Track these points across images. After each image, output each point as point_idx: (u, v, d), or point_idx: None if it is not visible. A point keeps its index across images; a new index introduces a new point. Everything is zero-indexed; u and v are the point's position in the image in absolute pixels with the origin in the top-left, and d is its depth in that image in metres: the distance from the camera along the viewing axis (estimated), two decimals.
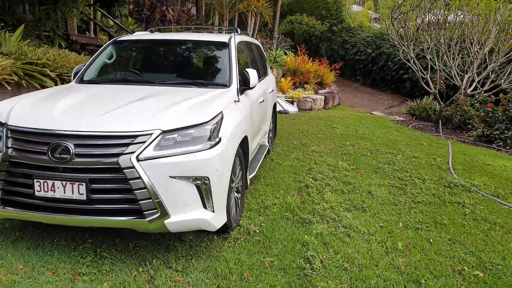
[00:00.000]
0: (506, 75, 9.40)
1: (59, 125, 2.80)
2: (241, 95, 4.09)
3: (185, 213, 2.86)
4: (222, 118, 3.19)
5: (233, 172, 3.57)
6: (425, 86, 10.89)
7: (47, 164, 2.72)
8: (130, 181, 2.67)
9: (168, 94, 3.53)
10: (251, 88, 4.22)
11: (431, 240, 3.48)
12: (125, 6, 15.36)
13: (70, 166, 2.70)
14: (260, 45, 6.53)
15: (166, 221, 2.78)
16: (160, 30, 5.93)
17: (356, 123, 9.72)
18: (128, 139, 2.75)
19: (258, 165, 4.78)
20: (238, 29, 5.41)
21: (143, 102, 3.21)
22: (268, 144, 5.91)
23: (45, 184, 2.71)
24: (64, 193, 2.70)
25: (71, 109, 3.09)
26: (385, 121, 11.05)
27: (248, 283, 2.75)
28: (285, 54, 18.93)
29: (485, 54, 9.97)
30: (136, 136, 2.76)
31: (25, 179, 2.77)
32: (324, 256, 3.11)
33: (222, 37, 4.59)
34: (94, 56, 4.46)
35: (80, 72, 4.26)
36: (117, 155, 2.69)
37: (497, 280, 2.90)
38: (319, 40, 23.77)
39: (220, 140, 3.04)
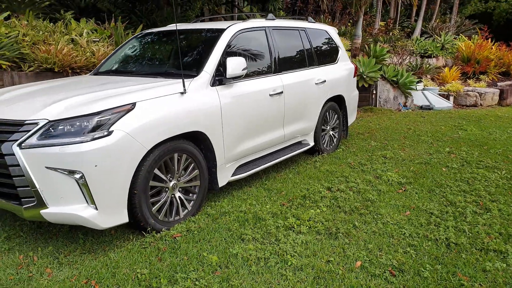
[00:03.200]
0: None
1: None
2: (218, 85, 3.71)
3: (63, 206, 2.79)
4: (128, 110, 2.95)
5: (168, 171, 3.29)
6: None
7: None
8: (9, 167, 2.77)
9: (110, 84, 3.47)
10: (232, 78, 3.76)
11: None
12: (280, 0, 15.76)
13: None
14: (321, 30, 5.67)
15: (42, 211, 2.78)
16: (210, 20, 5.87)
17: (508, 126, 7.48)
18: (13, 127, 2.84)
19: (262, 167, 4.24)
20: (271, 14, 4.86)
21: (72, 92, 3.24)
22: (311, 144, 5.17)
23: None
24: None
25: (16, 96, 3.31)
26: None
27: None
28: (470, 39, 15.93)
29: None
30: (21, 125, 2.82)
31: None
32: (186, 284, 2.54)
33: (222, 25, 4.22)
34: (116, 49, 4.76)
35: (99, 64, 4.64)
36: (1, 141, 2.82)
37: None
38: None
39: (110, 133, 2.82)
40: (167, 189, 3.32)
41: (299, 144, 5.09)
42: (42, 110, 2.85)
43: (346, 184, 4.26)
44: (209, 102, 3.58)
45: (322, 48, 5.53)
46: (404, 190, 4.11)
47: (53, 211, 2.79)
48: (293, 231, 3.24)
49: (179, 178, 3.41)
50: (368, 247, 2.98)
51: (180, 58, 3.52)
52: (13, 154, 2.75)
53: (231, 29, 4.08)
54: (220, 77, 3.74)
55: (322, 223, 3.35)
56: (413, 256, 2.85)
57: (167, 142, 3.22)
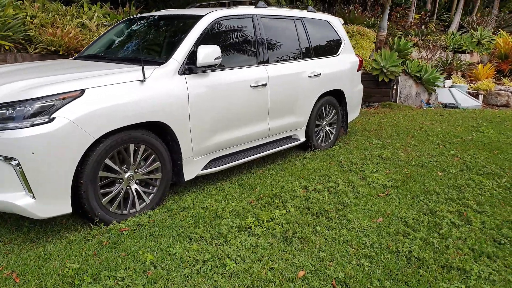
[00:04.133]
0: None
1: None
2: (188, 74, 3.53)
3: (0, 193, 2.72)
4: (75, 97, 2.83)
5: (123, 161, 3.16)
6: None
7: None
8: None
9: (74, 69, 3.36)
10: (203, 67, 3.57)
11: None
12: None
13: None
14: (322, 20, 5.35)
15: None
16: (210, 5, 5.69)
17: None
18: None
19: (239, 162, 4.04)
20: (262, 2, 4.60)
21: (28, 76, 3.13)
22: (302, 139, 4.91)
23: None
24: None
25: None
26: None
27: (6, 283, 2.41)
28: None
29: None
30: None
31: None
32: (108, 283, 2.39)
33: (202, 11, 4.02)
34: (102, 33, 4.67)
35: (84, 48, 4.57)
36: None
37: None
38: None
39: (51, 120, 2.71)
40: (121, 180, 3.19)
41: (289, 139, 4.84)
42: None
43: (325, 184, 3.98)
44: (174, 91, 3.40)
45: (321, 39, 5.22)
46: (386, 195, 3.79)
47: None
48: (248, 232, 3.03)
49: (136, 170, 3.28)
50: (320, 255, 2.73)
51: (140, 45, 3.35)
52: None
53: (209, 16, 3.88)
54: (191, 66, 3.56)
55: (282, 226, 3.12)
56: (366, 269, 2.57)
57: (121, 131, 3.09)
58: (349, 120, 5.75)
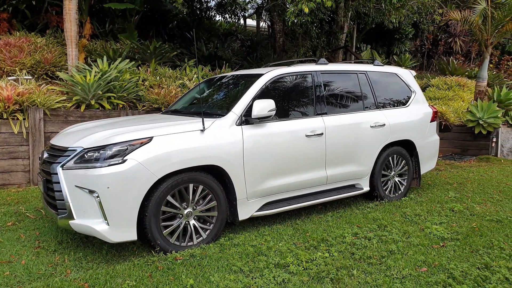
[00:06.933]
0: None
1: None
2: (245, 125, 4.01)
3: (85, 219, 3.39)
4: (144, 143, 3.47)
5: (183, 199, 3.66)
6: None
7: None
8: (54, 183, 3.53)
9: (150, 121, 4.07)
10: (257, 118, 4.02)
11: None
12: (406, 43, 15.44)
13: (42, 168, 3.89)
14: (390, 73, 5.49)
15: (70, 222, 3.42)
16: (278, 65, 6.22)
17: None
18: (60, 152, 3.63)
19: (294, 207, 4.29)
20: (323, 59, 4.99)
21: (115, 127, 3.89)
22: (365, 188, 4.96)
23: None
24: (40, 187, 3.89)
25: (77, 130, 4.12)
26: None
27: None
28: None
29: None
30: (65, 150, 3.60)
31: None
32: None
33: (263, 71, 4.55)
34: (187, 91, 5.49)
35: (172, 103, 5.42)
36: (51, 162, 3.62)
37: None
38: None
39: (124, 161, 3.37)
40: (181, 215, 3.68)
41: (351, 187, 4.93)
42: (80, 140, 3.59)
43: (378, 232, 3.97)
44: (230, 139, 3.87)
45: (387, 91, 5.35)
46: (442, 246, 3.63)
47: (78, 222, 3.40)
48: (284, 270, 3.21)
49: (194, 207, 3.75)
50: None
51: (201, 100, 3.94)
52: (56, 173, 3.50)
53: (267, 75, 4.38)
54: (247, 117, 4.04)
55: (319, 266, 3.23)
56: None
57: (181, 173, 3.62)
58: (423, 171, 5.59)
